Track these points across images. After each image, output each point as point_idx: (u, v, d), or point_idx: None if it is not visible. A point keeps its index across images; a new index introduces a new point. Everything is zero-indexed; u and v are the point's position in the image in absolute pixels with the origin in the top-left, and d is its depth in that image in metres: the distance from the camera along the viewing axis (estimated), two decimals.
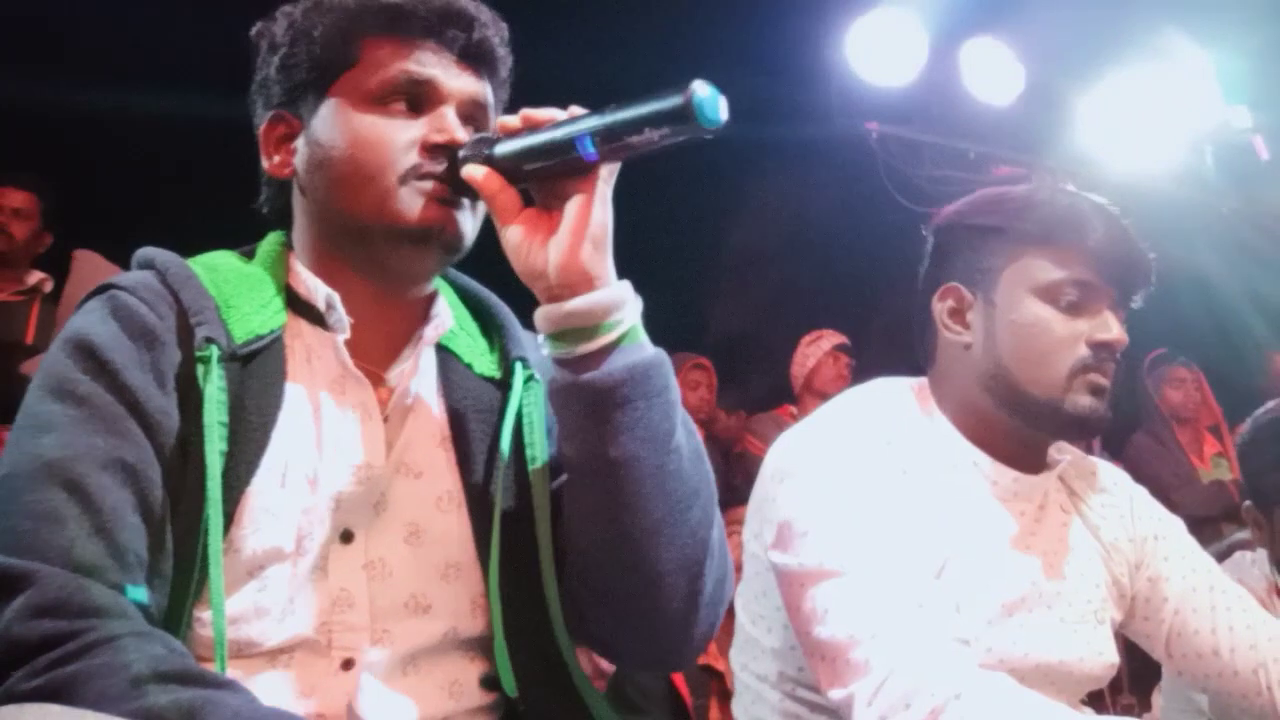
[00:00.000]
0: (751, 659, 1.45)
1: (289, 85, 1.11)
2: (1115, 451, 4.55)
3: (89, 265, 3.14)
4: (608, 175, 1.02)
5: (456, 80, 1.10)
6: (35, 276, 3.62)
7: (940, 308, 1.42)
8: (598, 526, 1.06)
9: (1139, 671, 3.50)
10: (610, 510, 1.04)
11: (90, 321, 1.02)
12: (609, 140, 0.96)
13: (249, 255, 1.15)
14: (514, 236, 1.03)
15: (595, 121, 0.96)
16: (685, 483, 1.05)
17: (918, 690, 1.14)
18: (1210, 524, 3.88)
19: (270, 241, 1.16)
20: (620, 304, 1.02)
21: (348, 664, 1.03)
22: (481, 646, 1.11)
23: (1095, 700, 3.21)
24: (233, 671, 0.98)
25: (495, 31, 1.13)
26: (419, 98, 1.08)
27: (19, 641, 0.86)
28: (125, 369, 0.99)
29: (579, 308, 1.01)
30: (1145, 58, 4.07)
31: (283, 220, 1.16)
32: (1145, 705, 2.03)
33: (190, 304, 1.04)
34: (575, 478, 1.07)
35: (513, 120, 1.03)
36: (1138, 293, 1.39)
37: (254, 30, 1.15)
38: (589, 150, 0.96)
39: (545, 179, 1.03)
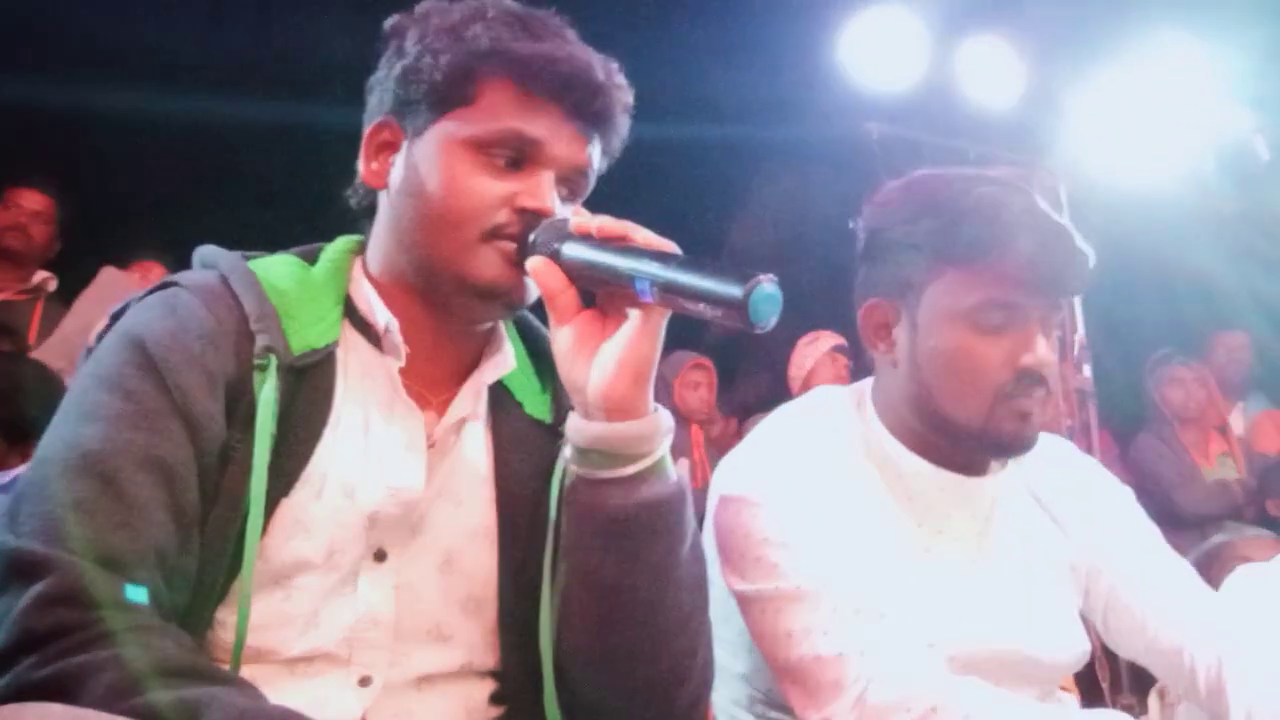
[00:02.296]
0: (722, 683, 1.43)
1: (404, 98, 1.10)
2: (1122, 450, 4.55)
3: (110, 284, 3.16)
4: (663, 312, 1.01)
5: (564, 146, 1.08)
6: (40, 276, 3.66)
7: (866, 324, 1.38)
8: (581, 635, 1.07)
9: (1139, 671, 3.51)
10: (594, 627, 1.06)
11: (150, 318, 1.03)
12: (665, 292, 0.95)
13: (310, 258, 1.15)
14: (564, 341, 1.02)
15: (659, 270, 0.95)
16: (678, 613, 1.06)
17: (893, 707, 1.14)
18: (1213, 524, 3.87)
19: (336, 248, 1.16)
20: (650, 437, 1.02)
21: (365, 681, 1.04)
22: (495, 674, 1.12)
23: (1096, 700, 3.21)
24: (249, 677, 0.98)
25: (618, 99, 1.11)
26: (522, 156, 1.07)
27: (31, 629, 0.87)
28: (177, 369, 0.99)
29: (608, 435, 1.01)
30: (1146, 57, 4.07)
31: (369, 215, 1.15)
32: (1145, 706, 2.04)
33: (252, 310, 1.04)
34: (570, 587, 1.07)
35: (589, 222, 1.02)
36: (1073, 295, 1.34)
37: (389, 23, 1.13)
38: (645, 292, 0.96)
39: (606, 288, 1.03)
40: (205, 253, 1.12)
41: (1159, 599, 1.40)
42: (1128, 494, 1.50)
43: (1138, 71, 4.09)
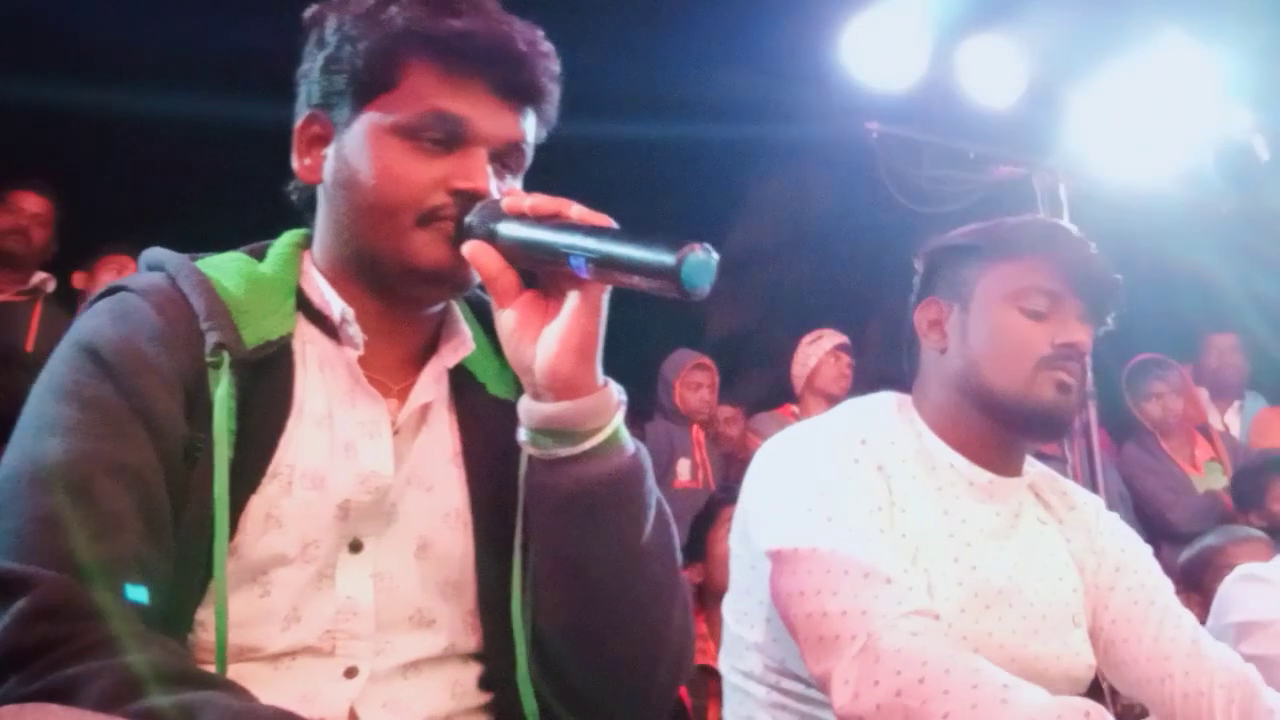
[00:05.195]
0: (737, 657, 1.49)
1: (328, 89, 1.09)
2: (1120, 451, 4.54)
3: None
4: (602, 287, 1.00)
5: (492, 121, 1.06)
6: (38, 277, 3.67)
7: (921, 320, 1.53)
8: (555, 614, 1.07)
9: None
10: (568, 604, 1.06)
11: (99, 324, 1.01)
12: (600, 267, 0.95)
13: (258, 255, 1.14)
14: (507, 323, 1.02)
15: (592, 244, 0.95)
16: (649, 582, 1.06)
17: (884, 669, 1.19)
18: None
19: (284, 242, 1.15)
20: (600, 412, 1.01)
21: (350, 672, 1.04)
22: (478, 656, 1.12)
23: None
24: (234, 675, 0.98)
25: (544, 68, 1.09)
26: (452, 136, 1.05)
27: (17, 646, 0.86)
28: (133, 373, 0.98)
29: (558, 413, 1.00)
30: (1146, 57, 4.07)
31: (310, 210, 1.15)
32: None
33: (201, 308, 1.03)
34: (540, 566, 1.07)
35: (522, 202, 1.01)
36: (1108, 311, 1.48)
37: (308, 14, 1.12)
38: (581, 268, 0.96)
39: (545, 267, 1.02)
40: (150, 255, 1.11)
41: (1154, 635, 1.47)
42: (1146, 549, 1.58)
43: (1138, 71, 4.08)
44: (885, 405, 1.52)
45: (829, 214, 5.65)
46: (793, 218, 5.85)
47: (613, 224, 0.97)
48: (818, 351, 4.54)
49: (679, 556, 1.11)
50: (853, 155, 4.20)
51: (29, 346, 3.44)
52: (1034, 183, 3.99)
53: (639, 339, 5.07)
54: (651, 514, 1.06)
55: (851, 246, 5.56)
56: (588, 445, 1.01)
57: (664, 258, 0.90)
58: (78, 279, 3.78)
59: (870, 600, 1.24)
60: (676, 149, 5.13)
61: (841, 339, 4.58)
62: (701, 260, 0.90)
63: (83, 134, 4.20)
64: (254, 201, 1.19)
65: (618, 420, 1.03)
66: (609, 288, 1.00)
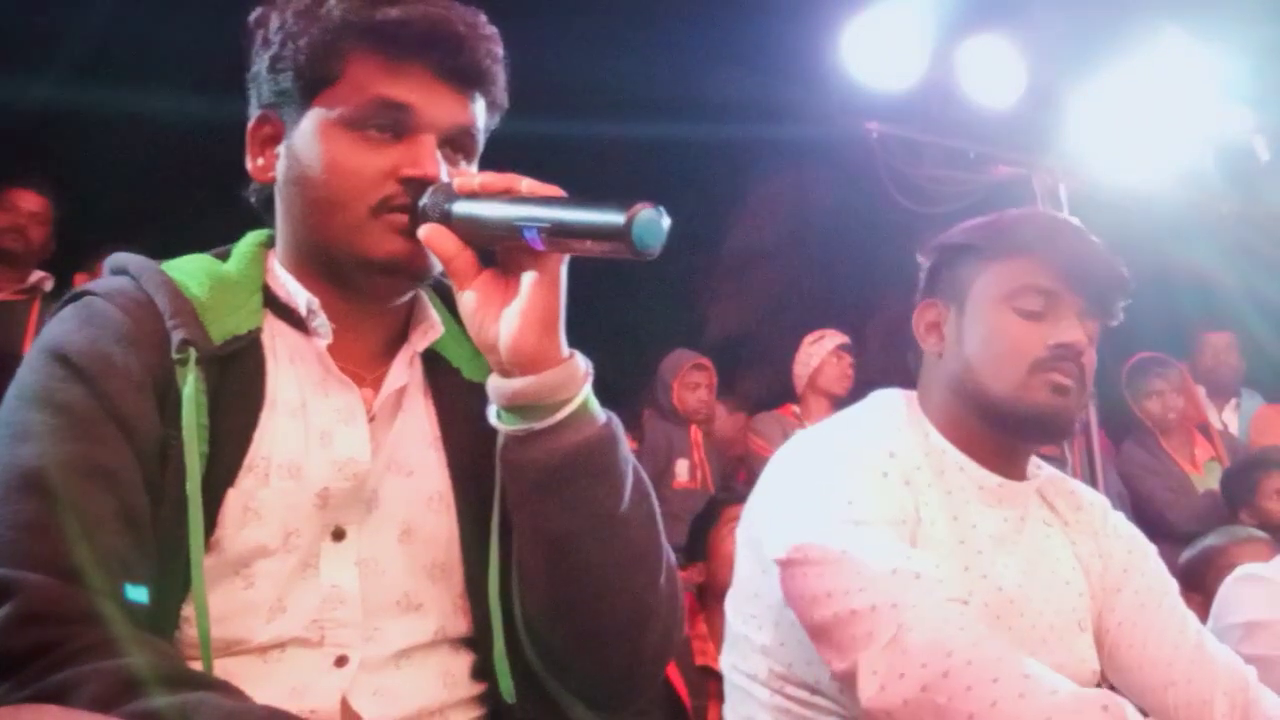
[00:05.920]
0: (741, 658, 1.48)
1: (276, 88, 1.09)
2: (1118, 451, 4.54)
3: None
4: (559, 258, 1.01)
5: (439, 107, 1.07)
6: (36, 275, 3.67)
7: (919, 322, 1.51)
8: (540, 591, 1.07)
9: None
10: (552, 579, 1.05)
11: (66, 329, 1.02)
12: (553, 235, 0.95)
13: (224, 257, 1.15)
14: (469, 303, 1.02)
15: (544, 213, 0.95)
16: (630, 550, 1.06)
17: (910, 661, 1.18)
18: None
19: (247, 242, 1.16)
20: (567, 384, 1.02)
21: (341, 660, 1.04)
22: (468, 642, 1.12)
23: None
24: (224, 669, 0.98)
25: (486, 50, 1.09)
26: (398, 125, 1.06)
27: (7, 651, 0.86)
28: (102, 376, 0.98)
29: (525, 389, 1.01)
30: (1146, 57, 4.07)
31: (269, 210, 1.15)
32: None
33: (166, 308, 1.03)
34: (521, 543, 1.07)
35: (472, 180, 1.02)
36: (1114, 304, 1.45)
37: (252, 17, 1.12)
38: (535, 239, 0.96)
39: (501, 244, 1.02)
40: (115, 259, 1.11)
41: (1159, 640, 1.46)
42: (1151, 549, 1.57)
43: (1138, 71, 4.08)
44: (897, 407, 1.50)
45: (829, 214, 5.65)
46: (793, 218, 5.85)
47: (563, 194, 0.98)
48: (820, 351, 4.54)
49: (660, 522, 1.10)
50: (853, 155, 4.20)
51: (26, 346, 3.43)
52: (1034, 183, 3.98)
53: (638, 339, 5.08)
54: (629, 482, 1.06)
55: (851, 246, 5.56)
56: (558, 418, 1.01)
57: (613, 218, 0.90)
58: (79, 281, 3.79)
59: (900, 594, 1.22)
60: (676, 149, 5.13)
61: (843, 339, 4.59)
62: (651, 218, 0.90)
63: (82, 134, 4.20)
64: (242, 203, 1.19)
65: (586, 390, 1.04)
66: (566, 258, 1.01)
